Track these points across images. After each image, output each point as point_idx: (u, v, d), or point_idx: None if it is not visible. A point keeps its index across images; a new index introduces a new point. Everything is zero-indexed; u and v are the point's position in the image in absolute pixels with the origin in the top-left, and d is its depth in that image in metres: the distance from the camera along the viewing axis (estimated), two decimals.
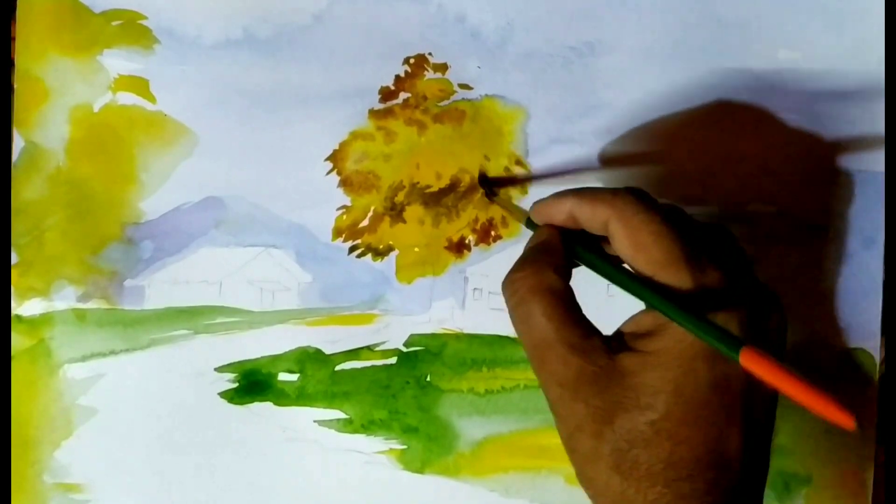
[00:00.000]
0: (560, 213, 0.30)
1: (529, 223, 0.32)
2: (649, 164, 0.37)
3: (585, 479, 0.27)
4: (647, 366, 0.26)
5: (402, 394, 0.37)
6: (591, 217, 0.29)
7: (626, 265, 0.28)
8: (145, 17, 0.37)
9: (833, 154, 0.37)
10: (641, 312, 0.28)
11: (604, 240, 0.29)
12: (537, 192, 0.37)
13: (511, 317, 0.28)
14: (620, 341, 0.28)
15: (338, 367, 0.37)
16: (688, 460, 0.26)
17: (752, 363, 0.23)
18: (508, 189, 0.37)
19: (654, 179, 0.37)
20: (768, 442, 0.28)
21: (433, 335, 0.37)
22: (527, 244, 0.31)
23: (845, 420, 0.21)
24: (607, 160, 0.37)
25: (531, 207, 0.31)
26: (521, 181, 0.37)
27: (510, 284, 0.28)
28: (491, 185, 0.37)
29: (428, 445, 0.37)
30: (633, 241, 0.27)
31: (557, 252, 0.29)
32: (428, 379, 0.37)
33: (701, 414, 0.26)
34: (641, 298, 0.27)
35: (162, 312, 0.37)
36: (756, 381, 0.24)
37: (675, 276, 0.26)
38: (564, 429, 0.27)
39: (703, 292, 0.26)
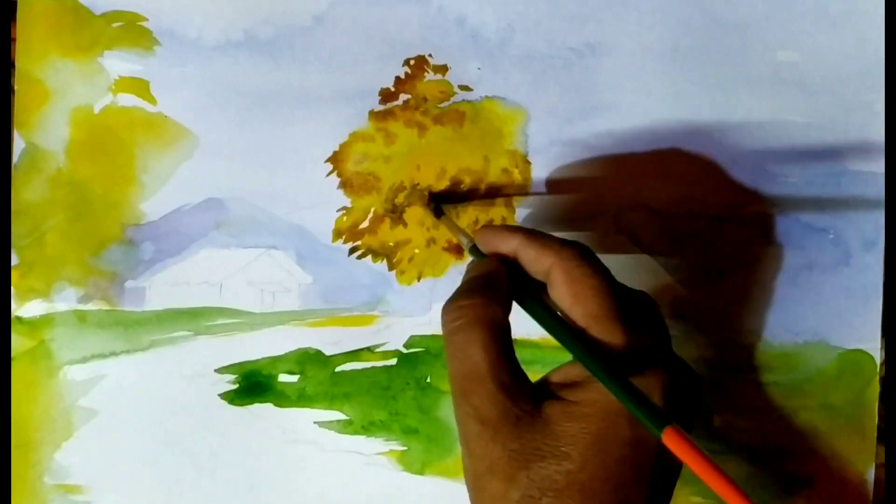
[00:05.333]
0: (506, 247, 0.30)
1: (474, 250, 0.32)
2: (650, 165, 0.37)
3: None
4: (569, 415, 0.26)
5: (402, 395, 0.37)
6: (535, 261, 0.29)
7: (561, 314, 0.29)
8: (146, 19, 0.37)
9: (833, 154, 0.37)
10: (570, 363, 0.28)
11: (542, 287, 0.29)
12: (538, 191, 0.37)
13: (446, 341, 0.28)
14: (546, 390, 0.28)
15: (338, 369, 0.37)
16: None
17: (674, 443, 0.24)
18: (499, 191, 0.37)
19: (654, 180, 0.37)
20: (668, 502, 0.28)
21: (433, 336, 0.37)
22: (468, 271, 0.31)
23: None
24: (607, 163, 0.37)
25: (478, 232, 0.32)
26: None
27: (455, 309, 0.28)
28: (439, 203, 0.36)
29: (428, 447, 0.37)
30: (573, 290, 0.28)
31: (504, 286, 0.29)
32: (428, 380, 0.37)
33: (616, 470, 0.26)
34: (574, 354, 0.27)
35: (162, 314, 0.37)
36: None
37: (608, 332, 0.27)
38: (474, 468, 0.27)
39: (632, 352, 0.27)
